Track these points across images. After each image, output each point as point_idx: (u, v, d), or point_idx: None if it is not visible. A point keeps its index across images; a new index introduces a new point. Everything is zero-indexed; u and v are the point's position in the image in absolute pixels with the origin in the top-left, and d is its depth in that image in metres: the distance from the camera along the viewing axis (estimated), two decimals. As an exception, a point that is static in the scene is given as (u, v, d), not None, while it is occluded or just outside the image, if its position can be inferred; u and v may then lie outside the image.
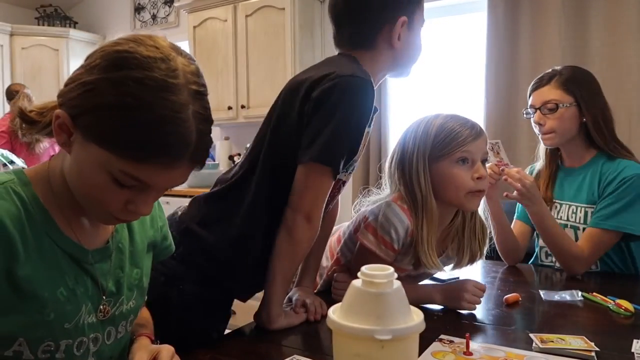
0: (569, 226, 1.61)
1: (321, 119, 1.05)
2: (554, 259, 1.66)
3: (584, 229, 1.57)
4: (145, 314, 0.99)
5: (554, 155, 1.72)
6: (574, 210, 1.62)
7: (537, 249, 1.74)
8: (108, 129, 0.67)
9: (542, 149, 1.74)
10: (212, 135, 0.75)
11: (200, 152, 0.72)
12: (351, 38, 1.21)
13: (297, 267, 1.21)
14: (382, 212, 1.24)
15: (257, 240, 1.13)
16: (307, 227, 1.09)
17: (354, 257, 1.34)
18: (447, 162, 1.21)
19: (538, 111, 1.61)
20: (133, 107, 0.66)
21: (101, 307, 0.81)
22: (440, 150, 1.22)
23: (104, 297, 0.82)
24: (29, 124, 0.78)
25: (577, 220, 1.61)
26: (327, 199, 1.12)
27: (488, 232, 1.36)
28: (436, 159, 1.22)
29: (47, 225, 0.74)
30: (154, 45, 0.70)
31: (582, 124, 1.59)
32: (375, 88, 1.14)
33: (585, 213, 1.58)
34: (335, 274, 1.36)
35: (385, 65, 1.22)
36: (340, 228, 1.48)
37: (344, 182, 1.26)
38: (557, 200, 1.67)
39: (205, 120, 0.72)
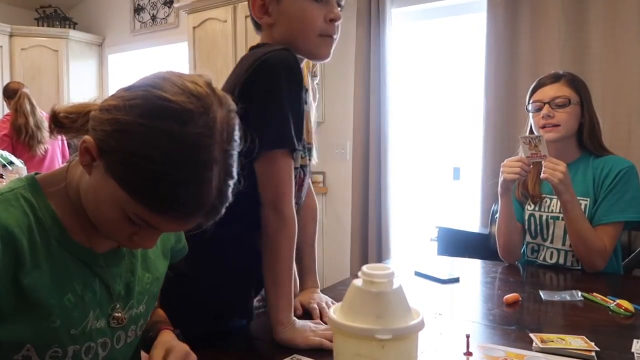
0: (560, 218, 1.63)
1: (257, 107, 0.97)
2: (539, 255, 1.70)
3: None
4: (159, 311, 0.99)
5: None
6: None
7: (524, 246, 1.75)
8: (131, 175, 0.66)
9: None
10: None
11: (216, 210, 0.71)
12: (254, 25, 1.15)
13: (287, 268, 1.07)
14: None
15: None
16: (276, 219, 1.02)
17: None
18: None
19: (547, 105, 1.64)
20: (160, 162, 0.65)
21: (116, 314, 0.81)
22: None
23: (117, 307, 0.82)
24: (58, 126, 0.78)
25: None
26: (293, 187, 1.05)
27: None
28: None
29: (57, 231, 0.75)
30: (198, 94, 0.69)
31: (580, 125, 1.66)
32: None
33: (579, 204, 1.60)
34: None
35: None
36: None
37: (303, 167, 1.18)
38: (546, 195, 1.69)
39: (228, 179, 0.71)
